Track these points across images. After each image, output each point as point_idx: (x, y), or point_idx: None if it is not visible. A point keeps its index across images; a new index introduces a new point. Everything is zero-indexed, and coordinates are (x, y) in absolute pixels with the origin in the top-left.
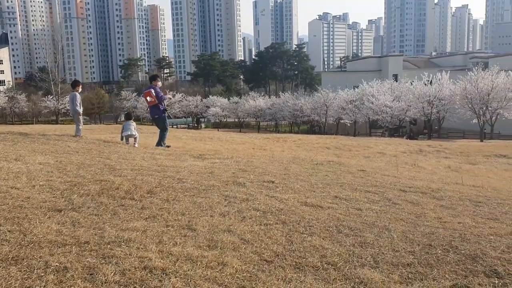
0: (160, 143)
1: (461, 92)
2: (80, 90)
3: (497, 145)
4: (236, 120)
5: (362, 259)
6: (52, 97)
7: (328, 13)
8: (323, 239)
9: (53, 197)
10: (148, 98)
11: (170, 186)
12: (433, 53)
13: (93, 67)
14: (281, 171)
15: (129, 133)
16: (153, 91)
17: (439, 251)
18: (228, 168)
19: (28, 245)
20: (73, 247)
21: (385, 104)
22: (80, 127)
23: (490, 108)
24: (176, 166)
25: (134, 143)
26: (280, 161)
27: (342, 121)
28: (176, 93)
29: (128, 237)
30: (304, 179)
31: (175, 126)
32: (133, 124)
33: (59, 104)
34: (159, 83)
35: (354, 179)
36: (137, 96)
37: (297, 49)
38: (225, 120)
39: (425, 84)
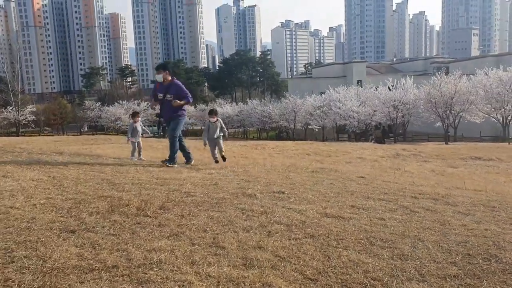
0: (188, 157)
1: (426, 96)
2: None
3: (467, 147)
4: (203, 127)
5: (406, 272)
6: (12, 108)
7: (290, 20)
8: (358, 252)
9: (61, 216)
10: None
11: (180, 200)
12: (394, 59)
13: (53, 76)
14: (284, 180)
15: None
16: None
17: (480, 261)
18: (230, 179)
19: (51, 272)
20: (102, 272)
21: (352, 109)
22: (135, 153)
23: (453, 112)
24: (175, 178)
25: (140, 156)
26: (276, 170)
27: (310, 127)
28: (141, 101)
29: (158, 259)
30: (312, 188)
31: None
32: (141, 126)
33: (20, 115)
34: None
35: (360, 187)
36: (100, 106)
37: (262, 56)
38: (191, 128)
39: (390, 89)
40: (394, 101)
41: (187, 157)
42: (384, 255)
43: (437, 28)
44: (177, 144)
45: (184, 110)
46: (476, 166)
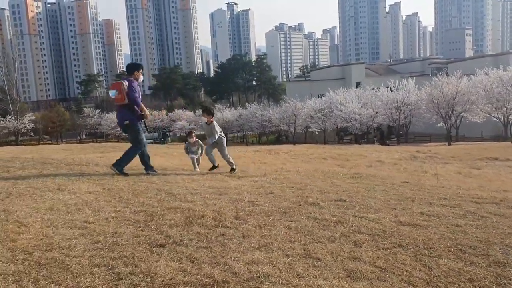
0: (147, 166)
1: (428, 97)
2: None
3: (477, 147)
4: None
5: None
6: (11, 117)
7: (284, 23)
8: (454, 261)
9: (141, 230)
10: (113, 91)
11: (250, 210)
12: (389, 60)
13: (48, 84)
14: (334, 187)
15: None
16: (125, 84)
17: None
18: (280, 187)
19: None
20: (215, 287)
21: (354, 111)
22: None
23: (455, 112)
24: (226, 187)
25: (196, 167)
26: (315, 177)
27: (310, 130)
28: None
29: (263, 272)
30: (369, 195)
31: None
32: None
33: (19, 124)
34: (141, 77)
35: (414, 192)
36: (100, 113)
37: (258, 60)
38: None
39: (391, 91)
40: (397, 102)
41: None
42: (480, 263)
43: (430, 29)
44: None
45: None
46: (498, 167)
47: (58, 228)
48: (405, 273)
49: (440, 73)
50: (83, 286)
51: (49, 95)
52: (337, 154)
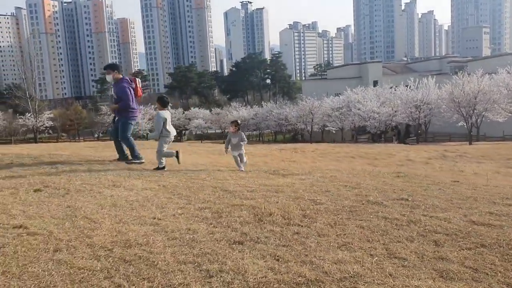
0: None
1: (449, 96)
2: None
3: (506, 146)
4: (218, 131)
5: None
6: (30, 115)
7: (298, 22)
8: None
9: (214, 227)
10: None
11: (315, 208)
12: (405, 58)
13: (64, 82)
14: (389, 186)
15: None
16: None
17: None
18: (333, 185)
19: (260, 287)
20: (311, 286)
21: (373, 110)
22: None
23: (476, 111)
24: (278, 185)
25: (241, 167)
26: (360, 175)
27: (327, 128)
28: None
29: (354, 272)
30: (429, 194)
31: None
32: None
33: (38, 121)
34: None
35: (474, 192)
36: None
37: (273, 58)
38: (206, 131)
39: (411, 89)
40: (416, 101)
41: (123, 157)
42: None
43: (445, 27)
44: (132, 141)
45: (131, 113)
46: None
47: (128, 225)
48: (499, 274)
49: (461, 71)
50: (176, 283)
51: (65, 93)
52: (364, 153)
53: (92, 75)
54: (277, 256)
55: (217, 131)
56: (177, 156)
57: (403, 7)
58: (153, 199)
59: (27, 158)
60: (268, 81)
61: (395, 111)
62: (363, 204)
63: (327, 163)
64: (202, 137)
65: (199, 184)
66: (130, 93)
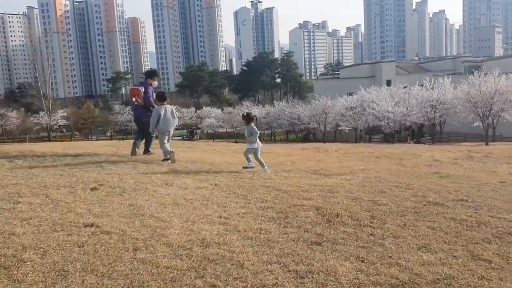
0: (148, 149)
1: (465, 96)
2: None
3: None
4: (230, 130)
5: None
6: (44, 113)
7: (308, 21)
8: None
9: (284, 227)
10: (133, 98)
11: (378, 209)
12: (415, 58)
13: (75, 81)
14: (441, 187)
15: (258, 146)
16: (142, 90)
17: None
18: (385, 186)
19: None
20: None
21: (387, 109)
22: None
23: (492, 111)
24: (329, 185)
25: (263, 168)
26: (402, 175)
27: (340, 128)
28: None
29: (446, 274)
30: (484, 195)
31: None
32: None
33: (52, 120)
34: (155, 83)
35: None
36: (130, 110)
37: (285, 57)
38: (218, 130)
39: (427, 89)
40: (432, 101)
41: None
42: None
43: (456, 26)
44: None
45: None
46: None
47: (198, 223)
48: None
49: (477, 71)
50: (269, 283)
51: (76, 92)
52: (389, 153)
53: (103, 74)
54: (361, 258)
55: (228, 130)
56: (169, 158)
57: (414, 7)
58: (212, 198)
59: (69, 158)
60: (279, 80)
61: (410, 111)
62: (424, 205)
63: (353, 162)
64: (214, 136)
65: (249, 184)
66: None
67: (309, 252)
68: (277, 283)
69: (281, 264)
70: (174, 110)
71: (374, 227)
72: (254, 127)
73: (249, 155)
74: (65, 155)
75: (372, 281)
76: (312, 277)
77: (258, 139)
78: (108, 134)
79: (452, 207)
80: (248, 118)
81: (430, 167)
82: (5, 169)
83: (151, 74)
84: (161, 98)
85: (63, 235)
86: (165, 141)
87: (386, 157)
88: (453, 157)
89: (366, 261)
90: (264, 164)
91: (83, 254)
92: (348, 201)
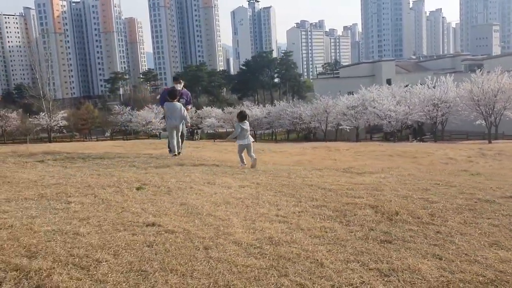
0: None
1: (468, 94)
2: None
3: None
4: (231, 130)
5: None
6: (44, 114)
7: (305, 21)
8: None
9: (347, 225)
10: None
11: (434, 207)
12: (413, 57)
13: (73, 82)
14: (480, 184)
15: (249, 142)
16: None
17: None
18: (424, 183)
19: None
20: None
21: (389, 108)
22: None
23: (495, 109)
24: (368, 183)
25: (244, 163)
26: (434, 173)
27: (341, 127)
28: None
29: None
30: None
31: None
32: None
33: (52, 121)
34: (179, 85)
35: None
36: (130, 110)
37: (284, 57)
38: (218, 130)
39: (429, 88)
40: (434, 99)
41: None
42: None
43: (453, 25)
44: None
45: None
46: None
47: (257, 222)
48: None
49: (479, 69)
50: (357, 282)
51: (74, 93)
52: (401, 152)
53: (100, 74)
54: (437, 255)
55: (228, 130)
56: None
57: (411, 5)
58: (260, 196)
59: (96, 157)
60: (278, 80)
61: (412, 110)
62: (475, 202)
63: (370, 161)
64: (214, 136)
65: (290, 182)
66: None
67: (383, 250)
68: (363, 281)
69: (360, 263)
70: (182, 107)
71: (437, 225)
72: (247, 124)
73: (242, 154)
74: (88, 156)
75: (460, 279)
76: (397, 275)
77: (249, 136)
78: (107, 134)
79: (504, 204)
80: (241, 115)
81: (447, 165)
82: (39, 169)
83: (175, 78)
84: (170, 95)
85: (128, 235)
86: (174, 136)
87: (399, 155)
88: (467, 155)
89: (444, 259)
90: (246, 160)
91: (156, 254)
92: (399, 199)
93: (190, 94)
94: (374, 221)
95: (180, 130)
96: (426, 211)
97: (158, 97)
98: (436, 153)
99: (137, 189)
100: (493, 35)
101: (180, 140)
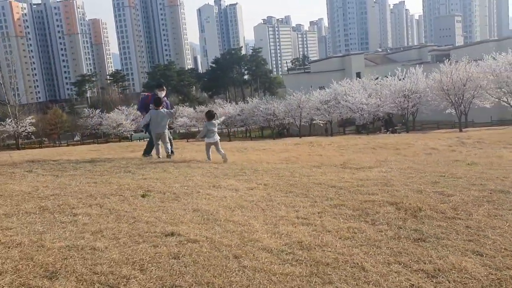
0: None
1: (438, 84)
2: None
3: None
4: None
5: None
6: (10, 120)
7: (272, 16)
8: None
9: (373, 225)
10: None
11: (453, 200)
12: (379, 49)
13: (38, 86)
14: (483, 174)
15: (216, 140)
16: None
17: None
18: (430, 176)
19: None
20: None
21: (362, 101)
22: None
23: (464, 98)
24: (373, 179)
25: (222, 158)
26: (433, 165)
27: (314, 122)
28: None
29: None
30: None
31: (139, 140)
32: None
33: (19, 127)
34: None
35: None
36: (100, 113)
37: (253, 53)
38: (190, 130)
39: (399, 79)
40: (405, 90)
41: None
42: None
43: (416, 17)
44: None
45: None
46: None
47: (280, 226)
48: None
49: (447, 59)
50: (407, 285)
51: (39, 97)
52: (383, 144)
53: (66, 77)
54: (476, 252)
55: (201, 129)
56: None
57: None
58: (272, 198)
59: (86, 164)
60: (247, 77)
61: (383, 102)
62: (490, 193)
63: (356, 155)
64: (187, 136)
65: (297, 182)
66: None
67: (420, 249)
68: (413, 284)
69: (402, 264)
70: (165, 113)
71: (463, 219)
72: (215, 123)
73: (210, 151)
74: (76, 162)
75: (510, 276)
76: (445, 276)
77: (216, 134)
78: (77, 138)
79: None
80: (209, 115)
81: (431, 155)
82: (29, 179)
83: (159, 85)
84: (157, 102)
85: (149, 247)
86: (158, 142)
87: (382, 148)
88: (447, 144)
89: (485, 255)
90: (208, 157)
91: (185, 266)
92: (414, 194)
93: (168, 102)
94: (400, 219)
95: (167, 136)
96: (447, 205)
97: (136, 107)
98: (416, 143)
99: (142, 196)
100: (456, 26)
101: (166, 145)
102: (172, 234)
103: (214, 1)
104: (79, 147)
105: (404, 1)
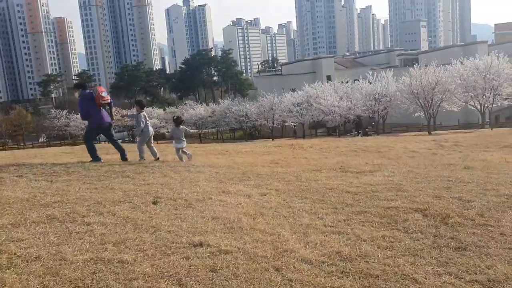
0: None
1: (408, 88)
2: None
3: (484, 134)
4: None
5: None
6: None
7: (241, 18)
8: None
9: (406, 233)
10: (104, 93)
11: (474, 206)
12: (347, 53)
13: None
14: (490, 179)
15: (184, 146)
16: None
17: None
18: (438, 181)
19: None
20: None
21: (333, 104)
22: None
23: (433, 102)
24: (382, 184)
25: (188, 158)
26: (431, 169)
27: (287, 124)
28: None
29: None
30: None
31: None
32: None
33: None
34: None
35: None
36: (67, 114)
37: (224, 55)
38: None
39: (370, 83)
40: (376, 94)
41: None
42: None
43: (382, 21)
44: (89, 144)
45: (90, 120)
46: None
47: (311, 235)
48: None
49: (415, 63)
50: None
51: (1, 97)
52: (364, 147)
53: (29, 77)
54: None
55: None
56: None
57: (342, 3)
58: (290, 205)
59: (78, 167)
60: (216, 78)
61: (354, 105)
62: (507, 199)
63: (340, 158)
64: (157, 137)
65: (308, 186)
66: (84, 106)
67: (464, 258)
68: None
69: (453, 275)
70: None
71: (494, 226)
72: (181, 128)
73: (180, 154)
74: (68, 165)
75: None
76: (502, 287)
77: (184, 141)
78: (42, 140)
79: None
80: (177, 121)
81: (413, 158)
82: (22, 185)
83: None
84: (142, 105)
85: (181, 259)
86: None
87: (364, 151)
88: (426, 148)
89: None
90: (183, 158)
91: (226, 280)
92: (433, 200)
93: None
94: (431, 226)
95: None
96: (473, 212)
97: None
98: (396, 147)
99: (154, 203)
100: (421, 31)
101: (152, 149)
102: (201, 244)
103: (183, 2)
104: (49, 149)
105: (370, 6)
